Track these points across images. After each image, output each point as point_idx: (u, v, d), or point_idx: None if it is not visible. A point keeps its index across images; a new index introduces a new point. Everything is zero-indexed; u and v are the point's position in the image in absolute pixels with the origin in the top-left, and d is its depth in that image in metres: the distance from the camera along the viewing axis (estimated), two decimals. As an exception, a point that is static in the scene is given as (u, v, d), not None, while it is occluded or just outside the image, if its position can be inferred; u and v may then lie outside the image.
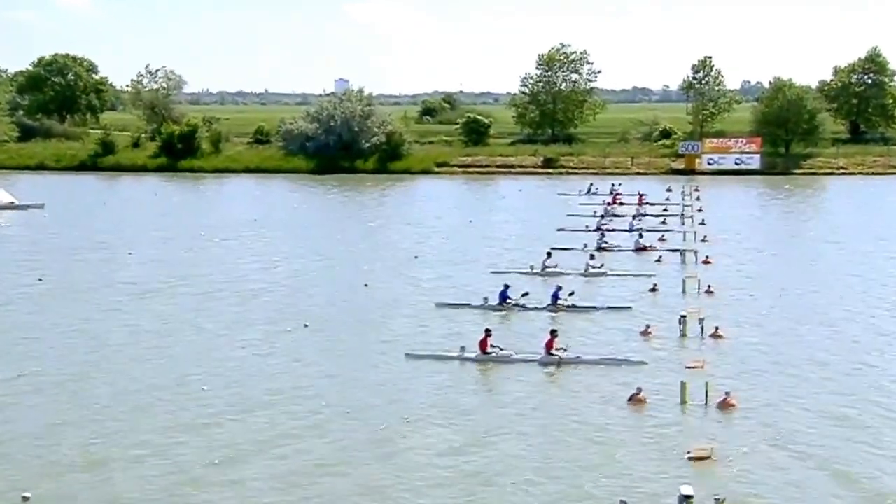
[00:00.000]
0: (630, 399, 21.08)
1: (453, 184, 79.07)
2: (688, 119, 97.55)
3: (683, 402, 20.76)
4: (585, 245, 41.87)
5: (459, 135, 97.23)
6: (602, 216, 51.75)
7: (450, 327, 27.90)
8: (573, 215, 53.68)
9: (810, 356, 24.76)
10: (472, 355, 24.41)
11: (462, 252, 42.23)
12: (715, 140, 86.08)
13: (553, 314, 29.46)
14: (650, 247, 42.15)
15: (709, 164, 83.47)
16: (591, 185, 67.71)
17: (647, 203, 59.22)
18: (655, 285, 33.16)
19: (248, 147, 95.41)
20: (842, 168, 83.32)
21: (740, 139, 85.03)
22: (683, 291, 32.83)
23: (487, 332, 24.87)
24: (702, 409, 20.54)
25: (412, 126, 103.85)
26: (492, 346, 24.54)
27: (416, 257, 40.84)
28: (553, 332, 24.70)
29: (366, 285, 34.46)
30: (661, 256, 39.66)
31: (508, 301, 30.19)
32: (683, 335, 26.63)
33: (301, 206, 63.21)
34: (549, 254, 37.76)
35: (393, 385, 22.50)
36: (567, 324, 27.99)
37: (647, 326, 27.20)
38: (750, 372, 23.39)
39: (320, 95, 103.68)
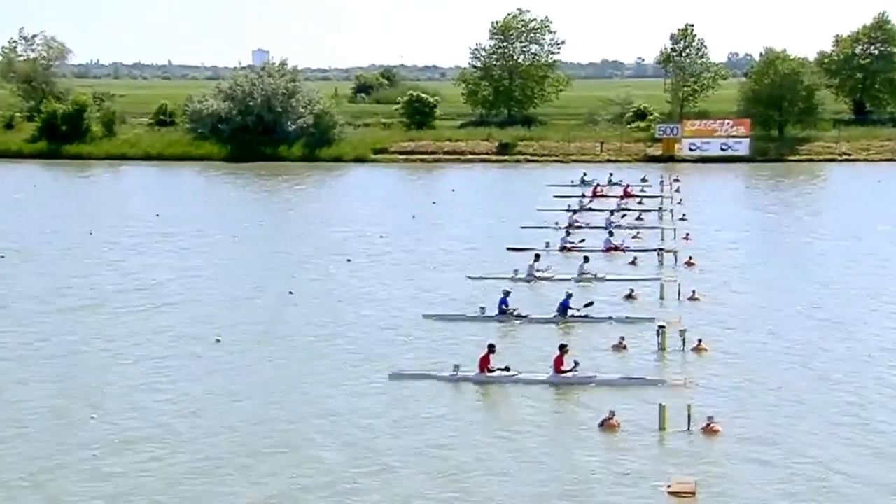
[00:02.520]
0: (602, 424, 21.31)
1: (393, 173, 79.05)
2: (666, 97, 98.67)
3: (662, 427, 21.04)
4: (548, 244, 42.14)
5: (400, 116, 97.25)
6: (575, 211, 52.11)
7: (437, 342, 28.18)
8: (544, 210, 53.95)
9: (807, 374, 25.22)
10: (471, 374, 24.60)
11: (409, 252, 42.39)
12: (697, 122, 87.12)
13: (562, 326, 29.75)
14: (622, 247, 42.52)
15: (690, 149, 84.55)
16: (585, 174, 68.04)
17: (633, 196, 59.81)
18: (632, 291, 33.51)
19: (148, 130, 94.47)
20: (844, 154, 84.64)
21: (727, 121, 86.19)
22: (662, 298, 33.22)
23: (490, 349, 25.00)
24: (683, 436, 20.82)
25: (344, 106, 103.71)
26: (492, 368, 24.65)
27: (349, 260, 40.86)
28: (562, 348, 24.92)
29: (290, 293, 34.43)
30: (635, 258, 40.06)
31: (509, 311, 30.45)
32: (662, 349, 26.97)
33: (213, 199, 62.71)
34: (537, 256, 38.04)
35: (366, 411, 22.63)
36: (578, 337, 28.32)
37: (621, 339, 27.49)
38: (737, 391, 23.76)
39: (235, 69, 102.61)
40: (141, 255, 42.32)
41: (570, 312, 30.30)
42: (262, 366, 26.19)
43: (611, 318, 30.38)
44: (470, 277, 36.76)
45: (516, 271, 36.71)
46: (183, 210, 56.68)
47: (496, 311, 30.54)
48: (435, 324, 30.24)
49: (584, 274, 36.58)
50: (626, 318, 30.12)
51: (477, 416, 22.61)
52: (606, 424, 21.30)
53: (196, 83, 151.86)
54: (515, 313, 30.42)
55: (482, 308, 30.75)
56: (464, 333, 28.88)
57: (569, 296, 30.84)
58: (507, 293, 31.10)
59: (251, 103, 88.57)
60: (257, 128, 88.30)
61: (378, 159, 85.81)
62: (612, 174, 68.11)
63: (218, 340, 28.30)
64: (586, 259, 37.61)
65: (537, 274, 36.71)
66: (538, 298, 32.79)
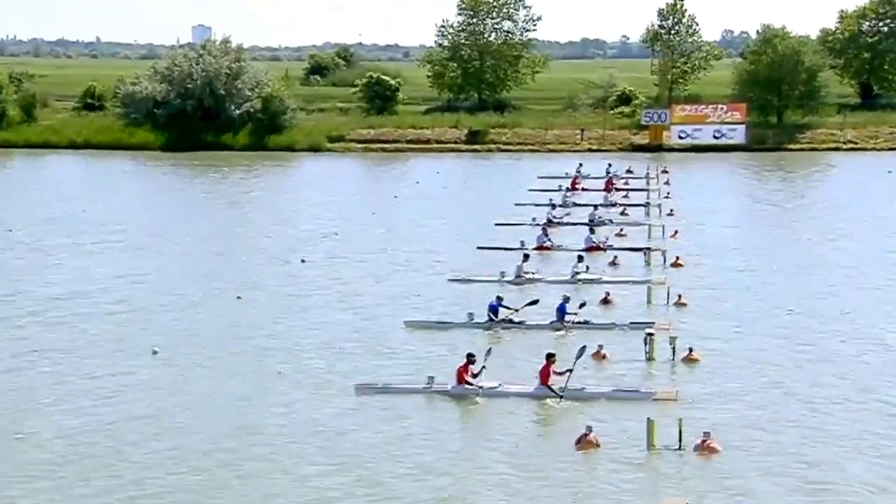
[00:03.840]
0: (578, 441, 21.41)
1: (351, 164, 79.06)
2: (653, 80, 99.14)
3: (651, 445, 21.18)
4: (523, 243, 42.32)
5: (358, 100, 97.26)
6: (554, 206, 52.35)
7: (419, 352, 28.30)
8: (522, 205, 54.16)
9: (811, 384, 25.47)
10: (448, 387, 24.72)
11: (368, 252, 42.47)
12: (688, 107, 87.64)
13: (560, 332, 29.94)
14: (604, 245, 42.76)
15: (680, 137, 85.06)
16: (581, 165, 68.16)
17: (617, 189, 60.11)
18: (608, 294, 33.76)
19: (74, 114, 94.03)
20: (850, 142, 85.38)
21: (720, 106, 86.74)
22: (649, 302, 33.46)
23: (469, 359, 25.11)
24: (675, 455, 20.96)
25: (296, 89, 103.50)
26: (473, 375, 24.76)
27: (302, 260, 40.85)
28: (549, 357, 24.96)
29: (238, 297, 34.49)
30: (615, 257, 40.30)
31: (502, 317, 30.64)
32: (650, 358, 27.14)
33: (148, 193, 62.43)
34: (525, 256, 38.19)
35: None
36: (571, 344, 28.43)
37: (600, 347, 27.61)
38: (733, 405, 23.95)
39: (173, 47, 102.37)
40: (67, 257, 42.07)
41: (567, 318, 30.44)
42: (204, 380, 26.11)
43: (614, 323, 30.58)
44: (452, 280, 36.89)
45: (503, 273, 36.88)
46: (114, 205, 56.36)
47: (487, 317, 30.68)
48: (417, 332, 30.32)
49: (578, 274, 36.83)
50: (631, 323, 30.27)
51: (447, 433, 22.62)
52: (583, 441, 21.35)
53: (128, 63, 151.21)
54: (507, 319, 30.58)
55: (470, 314, 30.92)
56: (449, 342, 28.93)
57: (566, 299, 31.00)
58: (500, 299, 31.26)
59: (191, 86, 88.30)
60: (198, 113, 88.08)
61: (334, 148, 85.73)
62: (609, 165, 68.35)
63: (155, 352, 28.20)
64: (580, 258, 37.83)
65: (526, 275, 36.90)
66: (524, 300, 32.81)
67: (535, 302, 31.04)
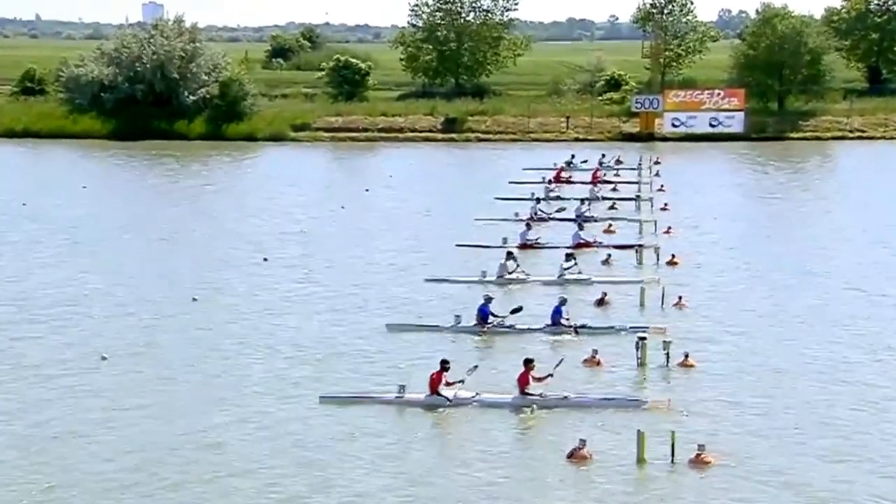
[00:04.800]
0: (570, 455, 21.56)
1: (317, 154, 78.99)
2: (644, 63, 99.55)
3: (641, 459, 21.33)
4: (505, 240, 42.43)
5: (325, 85, 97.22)
6: (538, 200, 52.50)
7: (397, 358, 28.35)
8: (503, 199, 54.32)
9: (814, 392, 25.69)
10: (420, 397, 24.81)
11: (337, 250, 42.60)
12: (682, 93, 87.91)
13: (556, 337, 30.11)
14: (594, 242, 42.94)
15: (673, 125, 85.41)
16: (573, 156, 68.17)
17: (604, 181, 60.32)
18: (605, 295, 33.92)
19: (11, 100, 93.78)
20: (857, 130, 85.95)
21: (716, 91, 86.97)
22: (642, 304, 33.65)
23: (443, 366, 25.20)
24: (666, 469, 21.11)
25: (257, 73, 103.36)
26: (447, 384, 24.86)
27: (265, 259, 40.88)
28: (528, 363, 25.09)
29: (195, 299, 34.54)
30: (609, 255, 40.48)
31: (491, 321, 30.76)
32: (642, 364, 27.32)
33: (95, 186, 62.24)
34: (509, 254, 38.32)
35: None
36: (570, 350, 28.63)
37: (594, 353, 27.80)
38: (730, 415, 24.12)
39: (121, 26, 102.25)
40: (6, 256, 41.98)
41: (563, 321, 30.63)
42: (156, 388, 26.14)
43: (613, 327, 30.76)
44: (429, 280, 37.02)
45: (484, 273, 37.01)
46: (57, 199, 56.19)
47: (474, 321, 30.79)
48: (399, 336, 30.39)
49: (566, 273, 36.99)
50: (631, 327, 30.44)
51: (417, 449, 22.66)
52: (576, 455, 21.49)
53: (72, 43, 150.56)
54: (497, 323, 30.71)
55: (457, 317, 31.02)
56: (430, 347, 29.03)
57: (562, 301, 31.15)
58: (488, 300, 31.38)
59: (140, 69, 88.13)
60: (148, 99, 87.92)
61: (298, 138, 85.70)
62: (603, 155, 68.57)
63: (104, 358, 28.21)
64: (569, 257, 37.98)
65: (511, 275, 37.06)
66: (517, 304, 32.97)
67: (518, 309, 31.20)
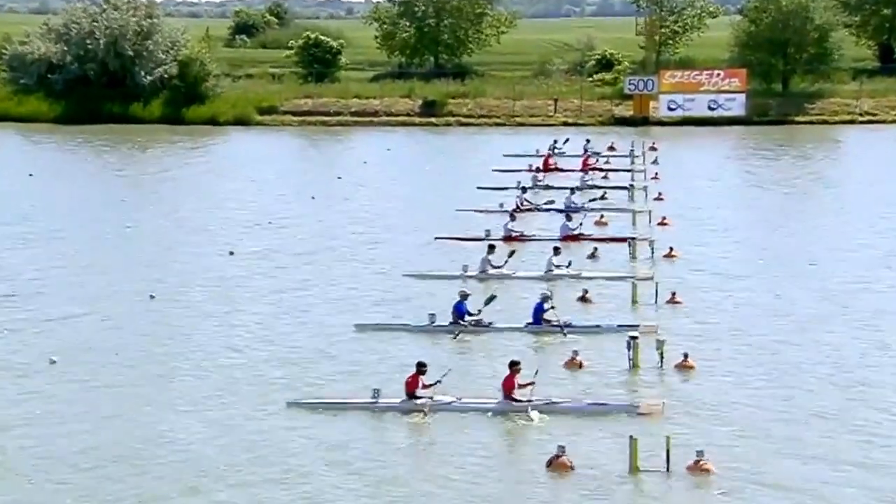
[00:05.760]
0: (549, 464, 21.56)
1: (285, 140, 78.92)
2: (638, 42, 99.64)
3: (634, 467, 21.34)
4: (488, 233, 42.49)
5: (294, 65, 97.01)
6: (524, 189, 52.51)
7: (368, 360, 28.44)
8: (486, 188, 54.37)
9: (822, 397, 25.78)
10: (396, 401, 24.85)
11: (309, 242, 42.67)
12: (679, 73, 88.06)
13: (538, 337, 30.23)
14: (582, 235, 43.01)
15: (670, 109, 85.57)
16: (556, 141, 67.82)
17: (595, 169, 60.38)
18: (586, 291, 34.00)
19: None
20: (867, 113, 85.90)
21: (716, 72, 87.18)
22: (634, 301, 33.74)
23: (420, 368, 25.23)
24: (661, 478, 21.15)
25: (220, 51, 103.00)
26: (424, 387, 24.90)
27: (231, 252, 40.87)
28: (513, 365, 25.11)
29: (152, 296, 34.53)
30: (595, 249, 40.56)
31: (468, 318, 30.85)
32: (635, 365, 27.38)
33: (42, 173, 62.05)
34: (491, 247, 38.40)
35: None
36: (550, 351, 28.75)
37: (575, 353, 27.83)
38: (731, 420, 24.21)
39: (70, 0, 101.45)
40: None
41: (545, 319, 30.74)
42: (109, 393, 26.10)
43: (598, 326, 30.87)
44: (407, 275, 37.08)
45: (466, 267, 37.08)
46: (1, 187, 56.08)
47: (450, 320, 30.89)
48: (370, 336, 30.44)
49: (554, 268, 37.07)
50: (618, 326, 30.55)
51: (393, 457, 22.67)
52: (555, 464, 21.48)
53: (16, 18, 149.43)
54: (475, 322, 30.80)
55: (431, 315, 31.09)
56: (405, 348, 29.12)
57: (544, 298, 31.24)
58: (464, 297, 31.45)
59: (92, 46, 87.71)
60: (101, 79, 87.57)
61: (265, 121, 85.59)
62: (588, 141, 68.34)
63: (53, 362, 28.15)
64: (556, 250, 38.08)
65: (493, 270, 37.13)
66: (500, 301, 33.10)
67: (492, 298, 31.27)
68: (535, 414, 24.08)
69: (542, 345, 29.71)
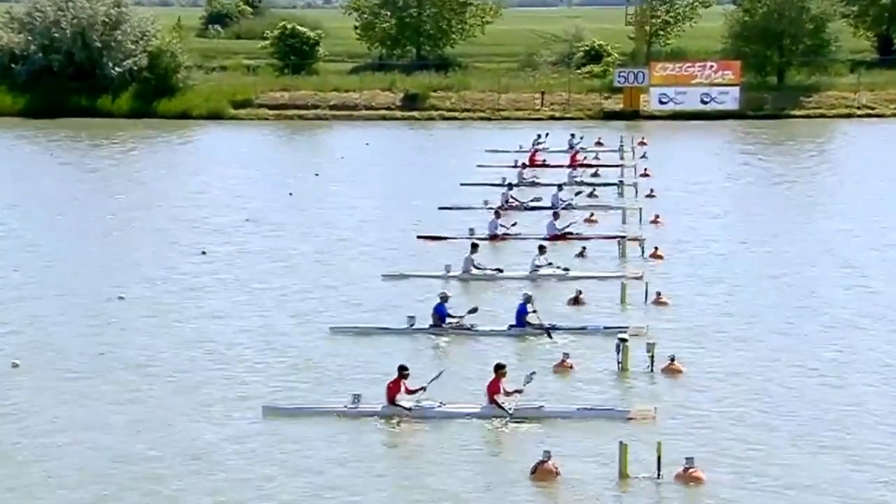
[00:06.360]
0: (534, 470, 21.64)
1: (261, 134, 78.84)
2: (628, 32, 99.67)
3: (624, 473, 21.44)
4: (472, 231, 42.59)
5: (269, 56, 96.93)
6: (510, 186, 52.58)
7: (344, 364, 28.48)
8: (470, 185, 54.49)
9: (813, 401, 25.89)
10: (377, 407, 24.91)
11: (287, 241, 42.76)
12: (670, 65, 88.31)
13: (521, 339, 30.38)
14: (571, 233, 43.12)
15: (661, 102, 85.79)
16: (539, 136, 67.82)
17: (584, 165, 60.56)
18: (580, 292, 34.14)
19: None
20: (865, 107, 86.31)
21: (709, 63, 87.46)
22: (622, 301, 33.90)
23: (402, 372, 25.31)
24: (652, 486, 21.25)
25: (192, 42, 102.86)
26: (408, 392, 24.95)
27: (203, 252, 40.91)
28: (498, 369, 25.19)
29: (121, 297, 34.55)
30: (584, 248, 40.68)
31: (449, 321, 30.96)
32: (623, 369, 27.50)
33: (6, 168, 62.15)
34: (474, 246, 38.53)
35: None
36: (532, 354, 28.81)
37: (565, 357, 27.97)
38: (722, 426, 24.31)
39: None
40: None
41: (528, 321, 30.84)
42: (75, 398, 26.08)
43: (585, 328, 31.00)
44: (387, 276, 37.22)
45: (448, 267, 37.19)
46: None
47: (430, 322, 31.00)
48: (346, 340, 30.52)
49: (540, 268, 37.20)
50: (604, 328, 30.69)
51: (374, 464, 22.71)
52: (540, 470, 21.56)
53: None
54: (456, 324, 30.92)
55: (411, 318, 31.21)
56: (385, 351, 29.17)
57: (527, 300, 31.35)
58: (444, 298, 31.57)
59: (58, 36, 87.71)
60: (67, 71, 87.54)
61: (239, 115, 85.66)
62: (572, 135, 68.46)
63: (15, 365, 28.17)
64: (542, 249, 38.18)
65: (477, 270, 37.23)
66: (483, 302, 33.15)
67: (474, 310, 31.37)
68: (498, 423, 24.26)
69: (527, 348, 29.82)
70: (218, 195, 53.60)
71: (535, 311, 31.08)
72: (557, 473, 21.46)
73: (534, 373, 25.57)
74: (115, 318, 32.73)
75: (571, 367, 27.67)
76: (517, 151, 64.10)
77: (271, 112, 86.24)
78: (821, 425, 24.25)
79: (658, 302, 33.39)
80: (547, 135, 67.20)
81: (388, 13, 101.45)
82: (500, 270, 37.33)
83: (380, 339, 30.56)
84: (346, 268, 38.92)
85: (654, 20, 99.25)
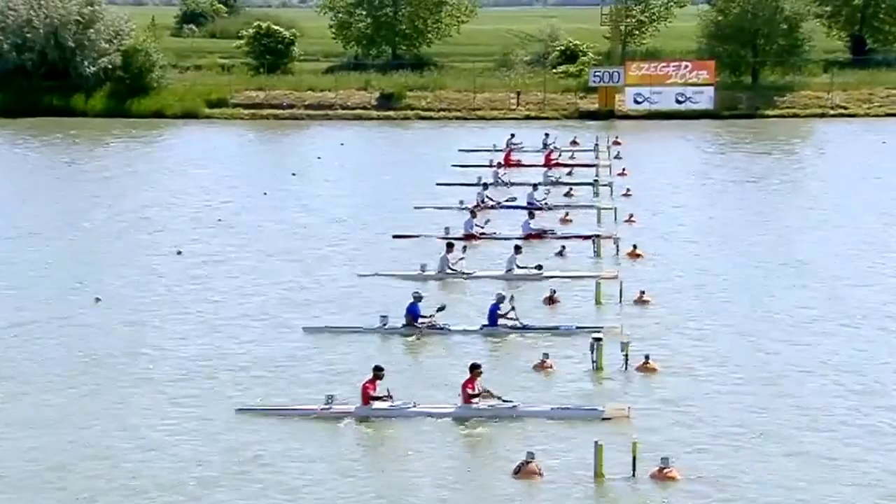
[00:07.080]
0: (517, 472, 21.71)
1: (236, 134, 78.68)
2: (603, 32, 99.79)
3: (599, 473, 21.53)
4: (447, 231, 42.62)
5: (245, 56, 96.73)
6: (486, 186, 52.58)
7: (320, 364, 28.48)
8: (445, 185, 54.52)
9: (790, 400, 25.99)
10: (351, 408, 24.92)
11: (262, 241, 42.76)
12: (645, 65, 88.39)
13: (493, 338, 30.50)
14: (546, 232, 43.24)
15: (636, 102, 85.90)
16: (513, 136, 67.50)
17: (558, 164, 60.61)
18: (554, 292, 34.22)
19: None
20: (838, 106, 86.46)
21: (684, 63, 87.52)
22: (598, 301, 33.97)
23: (376, 373, 25.33)
24: (628, 486, 21.33)
25: (166, 41, 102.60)
26: (377, 395, 24.96)
27: (179, 252, 40.85)
28: (474, 369, 25.26)
29: (98, 299, 34.47)
30: (563, 247, 40.83)
31: (421, 321, 31.03)
32: (598, 368, 27.60)
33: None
34: (450, 245, 38.57)
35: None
36: (508, 354, 28.88)
37: (545, 357, 28.09)
38: (697, 425, 24.40)
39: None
40: None
41: (500, 321, 30.95)
42: (49, 403, 26.02)
43: (558, 327, 31.11)
44: (362, 276, 37.24)
45: (423, 266, 37.23)
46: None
47: (403, 322, 31.07)
48: (318, 339, 30.54)
49: (515, 268, 37.21)
50: (577, 327, 30.82)
51: (349, 466, 22.71)
52: (524, 471, 21.64)
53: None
54: (428, 324, 30.99)
55: (383, 317, 31.23)
56: (358, 352, 29.21)
57: (500, 299, 31.41)
58: (417, 298, 31.60)
59: (30, 35, 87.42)
60: (40, 70, 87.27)
61: (214, 115, 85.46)
62: (547, 135, 68.44)
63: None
64: (517, 249, 38.24)
65: (452, 269, 37.28)
66: (458, 302, 33.11)
67: (442, 308, 31.44)
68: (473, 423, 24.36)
69: (499, 347, 29.89)
70: (192, 195, 53.46)
71: (513, 308, 31.18)
72: (541, 475, 21.55)
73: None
74: (92, 319, 32.62)
75: (551, 368, 27.73)
76: (492, 150, 64.14)
77: (246, 112, 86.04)
78: (796, 424, 24.34)
79: (640, 301, 33.51)
80: (513, 135, 67.08)
81: (364, 13, 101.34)
82: (471, 273, 37.44)
83: (353, 338, 30.55)
84: (320, 267, 38.92)
85: (629, 20, 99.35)
